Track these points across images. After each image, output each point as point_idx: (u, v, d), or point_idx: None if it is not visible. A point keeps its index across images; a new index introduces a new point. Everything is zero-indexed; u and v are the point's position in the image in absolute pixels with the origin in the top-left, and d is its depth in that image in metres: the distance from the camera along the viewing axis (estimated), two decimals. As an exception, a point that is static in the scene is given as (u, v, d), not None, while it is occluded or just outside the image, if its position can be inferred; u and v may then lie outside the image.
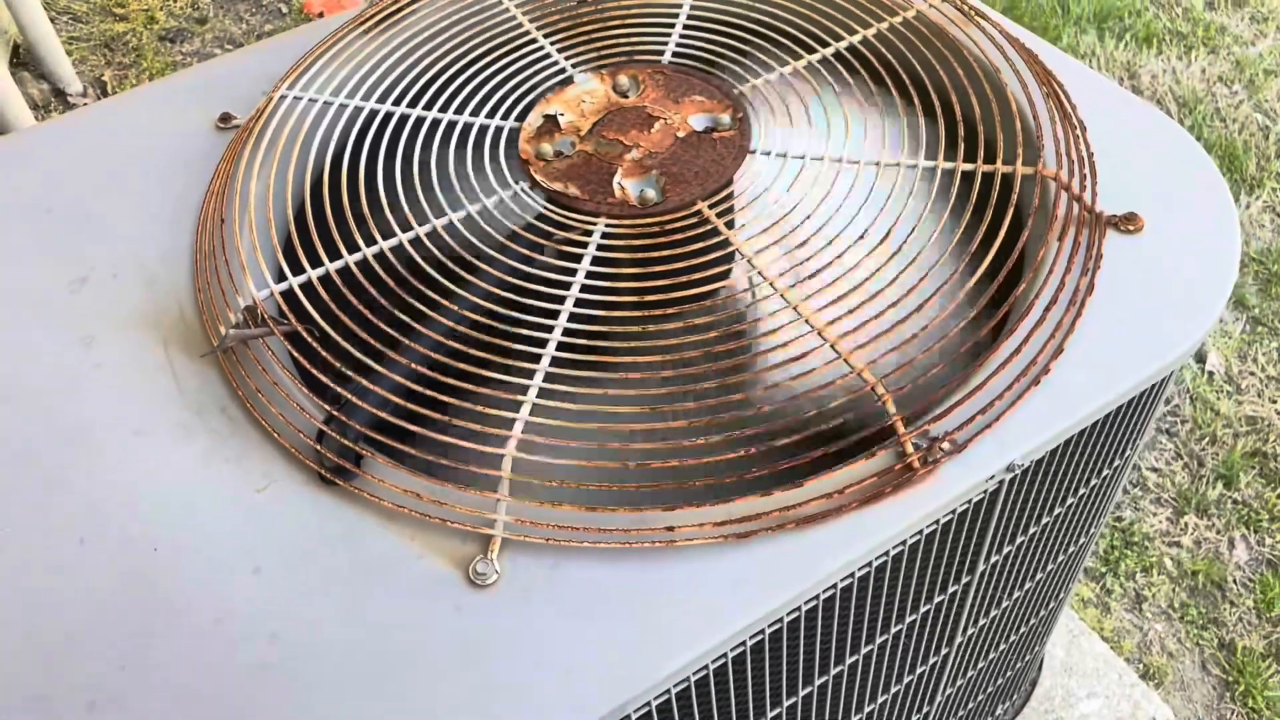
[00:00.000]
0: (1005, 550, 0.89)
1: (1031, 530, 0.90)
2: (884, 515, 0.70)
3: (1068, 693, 1.48)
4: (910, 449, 0.72)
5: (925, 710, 1.09)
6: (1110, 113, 0.93)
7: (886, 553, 0.72)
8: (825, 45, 0.99)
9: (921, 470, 0.71)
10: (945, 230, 0.85)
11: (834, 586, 0.71)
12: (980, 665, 1.13)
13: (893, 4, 1.01)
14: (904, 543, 0.73)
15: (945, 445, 0.72)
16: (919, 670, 0.98)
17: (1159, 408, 0.89)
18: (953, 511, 0.74)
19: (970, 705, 1.24)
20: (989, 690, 1.26)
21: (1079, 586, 1.71)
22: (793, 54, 0.98)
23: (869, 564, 0.72)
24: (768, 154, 0.89)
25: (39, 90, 2.50)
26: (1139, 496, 1.85)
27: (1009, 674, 1.27)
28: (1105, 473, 0.92)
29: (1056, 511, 0.90)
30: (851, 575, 0.71)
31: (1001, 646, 1.13)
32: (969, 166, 0.88)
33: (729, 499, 0.70)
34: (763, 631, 0.69)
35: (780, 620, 0.69)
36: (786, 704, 0.82)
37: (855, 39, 0.99)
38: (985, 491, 0.75)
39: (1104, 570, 1.74)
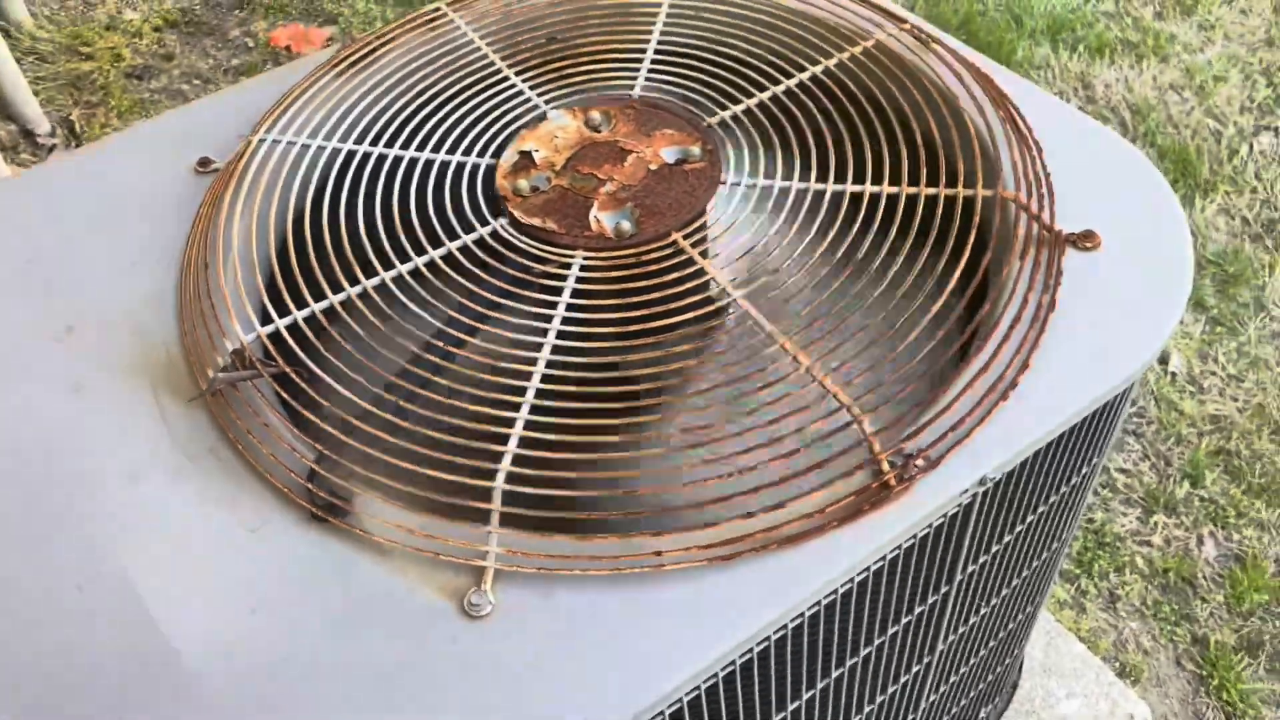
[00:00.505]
0: (981, 559, 0.92)
1: (1006, 539, 0.93)
2: (863, 533, 0.73)
3: (1047, 693, 1.51)
4: (886, 467, 0.74)
5: (910, 718, 1.11)
6: (1064, 132, 0.97)
7: (868, 568, 0.74)
8: (790, 76, 1.02)
9: (898, 487, 0.74)
10: (913, 253, 0.88)
11: (818, 604, 0.73)
12: (961, 671, 1.15)
13: (853, 34, 1.05)
14: (884, 558, 0.75)
15: (920, 462, 0.74)
16: (902, 680, 1.00)
17: (1123, 415, 0.93)
18: (929, 525, 0.77)
19: (954, 710, 1.27)
20: (971, 695, 1.29)
21: (1055, 589, 1.74)
22: (759, 85, 1.01)
23: (851, 580, 0.74)
24: (738, 184, 0.92)
25: (7, 131, 2.50)
26: (1109, 498, 1.89)
27: (990, 678, 1.30)
28: (1075, 480, 0.95)
29: (1029, 519, 0.93)
30: (835, 592, 0.74)
31: (981, 652, 1.16)
32: (932, 191, 0.91)
33: (714, 523, 0.72)
34: (751, 650, 0.71)
35: (768, 639, 0.72)
36: (777, 719, 0.85)
37: (818, 69, 1.02)
38: (960, 505, 0.77)
39: (1078, 572, 1.78)
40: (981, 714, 1.42)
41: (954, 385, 0.79)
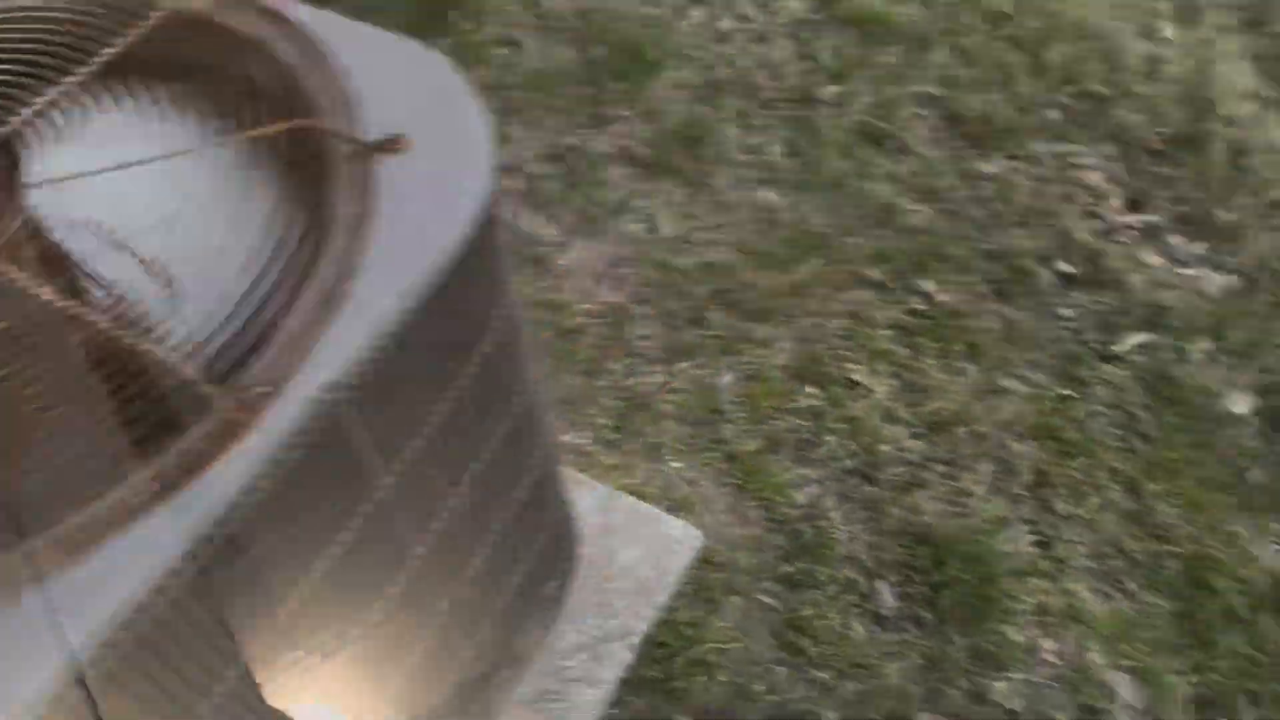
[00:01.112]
0: (411, 449, 0.98)
1: (430, 426, 1.00)
2: (229, 472, 0.76)
3: (610, 551, 1.66)
4: (230, 405, 0.78)
5: (442, 607, 1.18)
6: (371, 52, 1.03)
7: (250, 497, 0.78)
8: (93, 59, 1.00)
9: (247, 419, 0.78)
10: (246, 198, 0.91)
11: (210, 539, 0.76)
12: (482, 556, 1.24)
13: (149, 5, 1.05)
14: (268, 481, 0.79)
15: (261, 388, 0.79)
16: (401, 579, 1.06)
17: (494, 297, 1.03)
18: (302, 441, 0.81)
19: (507, 594, 1.37)
20: (519, 576, 1.39)
21: (602, 457, 1.90)
22: (55, 81, 0.99)
23: (241, 507, 0.77)
24: (46, 182, 0.90)
25: None
26: (635, 363, 2.08)
27: (533, 555, 1.41)
28: (476, 361, 1.04)
29: (442, 407, 1.01)
30: (227, 525, 0.77)
31: (495, 530, 1.25)
32: (250, 134, 0.94)
33: (69, 515, 0.73)
34: (148, 615, 0.73)
35: (166, 590, 0.74)
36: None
37: (120, 46, 1.01)
38: (324, 413, 0.83)
39: (620, 437, 1.95)
40: (548, 589, 1.54)
41: (291, 312, 0.84)
